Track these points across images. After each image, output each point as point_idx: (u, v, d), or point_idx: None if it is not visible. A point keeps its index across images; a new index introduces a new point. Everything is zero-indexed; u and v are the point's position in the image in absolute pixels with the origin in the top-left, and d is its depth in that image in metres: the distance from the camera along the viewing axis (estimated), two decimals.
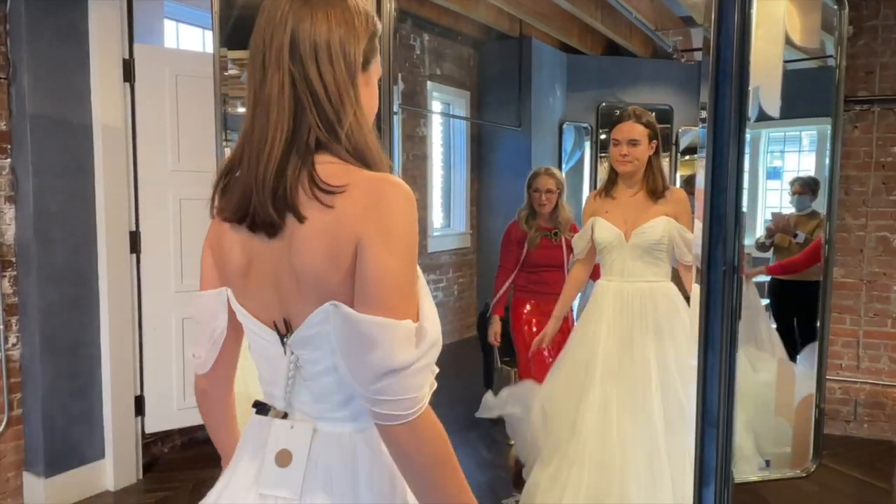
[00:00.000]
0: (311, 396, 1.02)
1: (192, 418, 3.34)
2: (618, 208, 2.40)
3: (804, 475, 2.18)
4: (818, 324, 2.17)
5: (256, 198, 0.94)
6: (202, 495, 1.11)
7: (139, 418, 3.38)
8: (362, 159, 0.96)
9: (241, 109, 2.26)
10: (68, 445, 3.12)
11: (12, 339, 3.01)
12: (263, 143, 0.94)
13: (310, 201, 0.92)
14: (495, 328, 3.38)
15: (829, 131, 2.09)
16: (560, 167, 5.40)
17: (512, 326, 3.35)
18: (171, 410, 3.41)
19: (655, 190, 2.36)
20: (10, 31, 2.89)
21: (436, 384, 0.94)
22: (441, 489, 0.95)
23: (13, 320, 3.01)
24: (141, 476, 3.39)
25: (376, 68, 1.03)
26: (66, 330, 3.10)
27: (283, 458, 1.00)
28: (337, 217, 0.91)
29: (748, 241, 2.94)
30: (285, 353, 1.01)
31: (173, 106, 3.28)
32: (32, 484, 3.07)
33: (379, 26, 1.02)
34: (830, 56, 2.14)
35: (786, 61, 2.06)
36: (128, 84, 3.19)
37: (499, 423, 2.89)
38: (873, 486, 3.23)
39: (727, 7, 1.50)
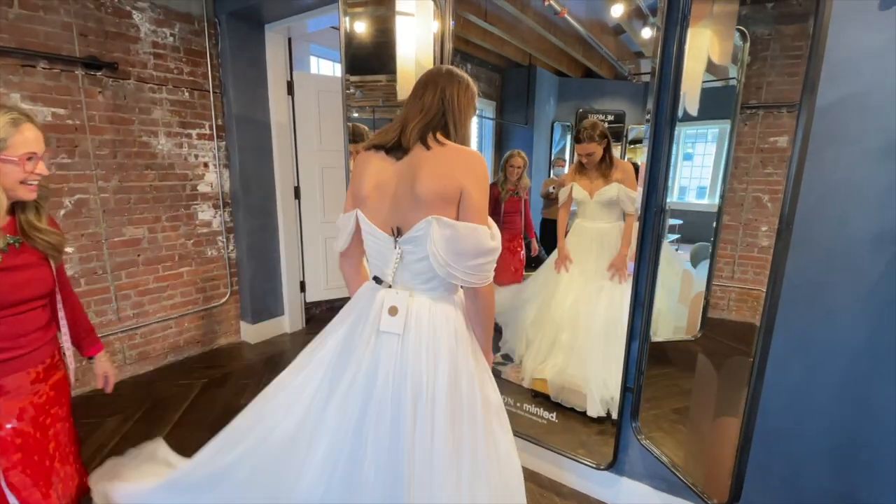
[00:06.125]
0: (409, 275, 1.05)
1: (332, 294, 3.46)
2: (585, 178, 2.38)
3: (693, 339, 2.17)
4: (710, 249, 2.16)
5: (406, 133, 1.03)
6: None
7: (302, 293, 3.45)
8: (461, 142, 1.05)
9: (356, 114, 2.20)
10: (263, 307, 3.25)
11: (231, 247, 3.12)
12: (417, 113, 1.05)
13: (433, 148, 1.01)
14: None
15: (728, 128, 2.00)
16: (551, 150, 5.24)
17: None
18: (320, 289, 3.48)
19: (608, 169, 2.32)
20: (221, 63, 2.89)
21: (494, 272, 1.04)
22: (487, 320, 1.10)
23: (231, 237, 3.10)
24: (304, 325, 3.48)
25: (473, 115, 1.11)
26: (260, 242, 3.16)
27: (393, 311, 1.04)
28: (449, 167, 0.98)
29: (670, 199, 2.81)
30: (395, 248, 1.03)
31: (316, 110, 3.24)
32: (245, 327, 3.24)
33: (477, 100, 1.11)
34: (734, 78, 2.03)
35: (705, 81, 1.95)
36: (290, 96, 3.16)
37: None
38: (736, 349, 3.15)
39: (669, 39, 1.43)
